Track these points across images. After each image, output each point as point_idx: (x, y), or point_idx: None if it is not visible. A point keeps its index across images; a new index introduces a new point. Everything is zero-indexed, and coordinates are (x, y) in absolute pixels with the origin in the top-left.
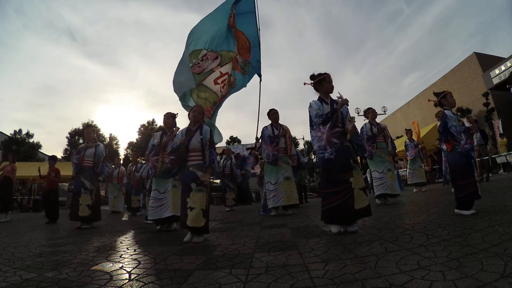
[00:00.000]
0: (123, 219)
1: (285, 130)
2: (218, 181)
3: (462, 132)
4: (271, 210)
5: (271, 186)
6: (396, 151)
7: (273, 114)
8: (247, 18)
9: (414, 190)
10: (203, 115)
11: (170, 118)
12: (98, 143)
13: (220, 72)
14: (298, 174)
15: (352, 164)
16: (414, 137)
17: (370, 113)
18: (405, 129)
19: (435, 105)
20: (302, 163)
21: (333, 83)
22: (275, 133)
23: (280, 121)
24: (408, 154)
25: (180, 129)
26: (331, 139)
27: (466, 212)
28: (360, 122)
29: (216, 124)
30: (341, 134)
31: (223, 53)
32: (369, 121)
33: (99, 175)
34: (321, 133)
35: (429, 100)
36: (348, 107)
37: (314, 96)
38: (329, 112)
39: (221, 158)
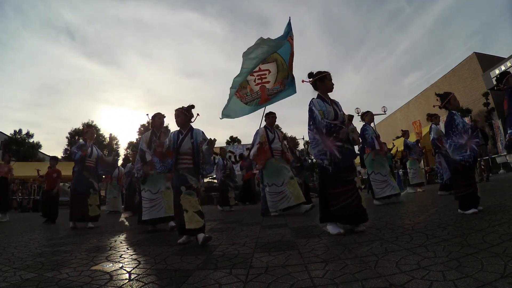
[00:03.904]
0: (122, 219)
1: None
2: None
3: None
4: (270, 212)
5: (276, 188)
6: (396, 151)
7: (271, 118)
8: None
9: (413, 191)
10: (185, 116)
11: (162, 118)
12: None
13: (259, 68)
14: (303, 175)
15: (355, 165)
16: (414, 137)
17: (368, 116)
18: (402, 130)
19: (440, 107)
20: (304, 163)
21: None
22: (270, 136)
23: (279, 121)
24: (414, 154)
25: (170, 132)
26: (333, 143)
27: (468, 211)
28: (358, 123)
29: (216, 123)
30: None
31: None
32: (366, 123)
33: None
34: (319, 137)
35: (434, 106)
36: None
37: (313, 95)
38: (337, 126)
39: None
